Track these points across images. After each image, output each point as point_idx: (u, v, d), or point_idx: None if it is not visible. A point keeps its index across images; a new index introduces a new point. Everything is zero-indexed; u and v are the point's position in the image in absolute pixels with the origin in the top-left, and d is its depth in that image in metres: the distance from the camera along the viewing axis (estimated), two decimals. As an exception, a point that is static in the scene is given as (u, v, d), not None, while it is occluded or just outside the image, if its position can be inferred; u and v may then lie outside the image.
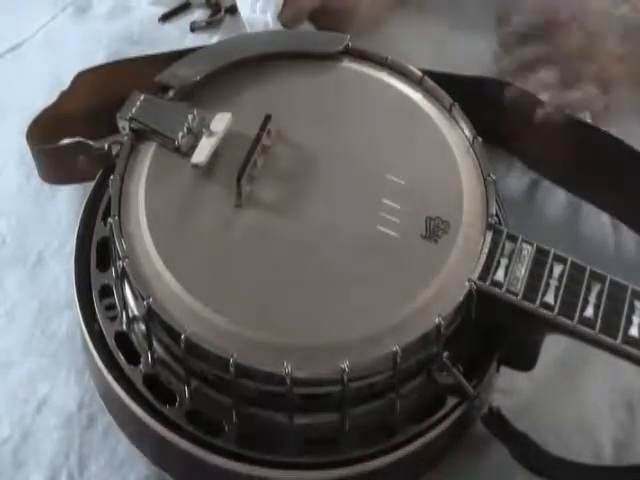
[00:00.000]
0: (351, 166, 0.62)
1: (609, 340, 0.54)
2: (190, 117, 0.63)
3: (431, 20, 0.87)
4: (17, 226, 0.73)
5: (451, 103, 0.65)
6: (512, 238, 0.58)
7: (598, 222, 0.74)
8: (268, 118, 0.62)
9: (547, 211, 0.75)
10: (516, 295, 0.56)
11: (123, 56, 0.78)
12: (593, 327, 0.55)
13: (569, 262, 0.57)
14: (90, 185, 0.66)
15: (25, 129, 0.69)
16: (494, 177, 0.61)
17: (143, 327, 0.57)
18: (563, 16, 0.80)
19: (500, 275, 0.56)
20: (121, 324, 0.60)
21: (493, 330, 0.58)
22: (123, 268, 0.56)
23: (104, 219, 0.62)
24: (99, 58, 0.81)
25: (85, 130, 0.69)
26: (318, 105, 0.66)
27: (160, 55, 0.74)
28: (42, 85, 0.79)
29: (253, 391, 0.55)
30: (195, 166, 0.61)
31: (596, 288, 0.56)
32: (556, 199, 0.75)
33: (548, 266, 0.57)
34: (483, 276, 0.56)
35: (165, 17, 0.88)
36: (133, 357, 0.59)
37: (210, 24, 0.87)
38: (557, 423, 0.63)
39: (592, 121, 0.74)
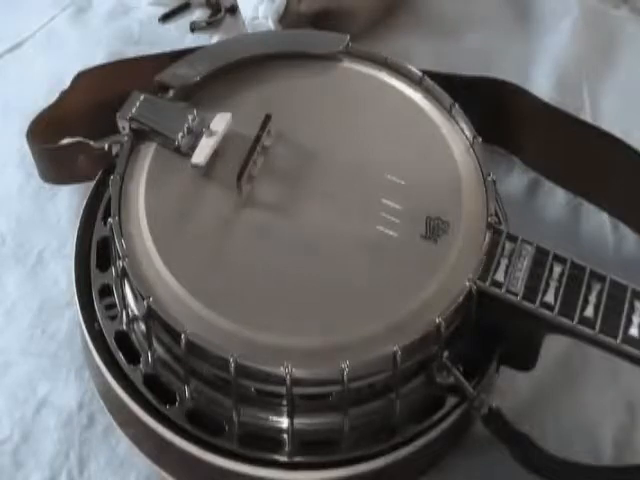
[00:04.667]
0: (351, 166, 0.62)
1: (609, 340, 0.54)
2: (190, 117, 0.63)
3: (431, 20, 0.87)
4: (17, 226, 0.73)
5: (451, 103, 0.65)
6: (512, 238, 0.58)
7: (598, 222, 0.74)
8: (268, 118, 0.62)
9: (547, 211, 0.75)
10: (516, 295, 0.56)
11: (123, 56, 0.78)
12: (593, 327, 0.55)
13: (569, 262, 0.57)
14: (90, 185, 0.66)
15: (25, 129, 0.69)
16: (494, 177, 0.61)
17: (143, 327, 0.57)
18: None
19: (500, 275, 0.56)
20: (121, 323, 0.60)
21: (493, 330, 0.58)
22: (123, 268, 0.56)
23: (104, 219, 0.62)
24: (99, 58, 0.81)
25: (85, 130, 0.69)
26: (318, 105, 0.66)
27: (160, 55, 0.74)
28: (42, 85, 0.79)
29: (253, 391, 0.55)
30: (195, 166, 0.61)
31: (596, 288, 0.56)
32: (556, 199, 0.75)
33: (548, 266, 0.57)
34: (483, 276, 0.56)
35: (165, 17, 0.88)
36: (133, 357, 0.59)
37: (210, 24, 0.87)
38: (557, 423, 0.63)
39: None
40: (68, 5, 0.89)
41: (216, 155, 0.62)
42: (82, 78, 0.72)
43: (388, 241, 0.58)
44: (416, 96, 0.66)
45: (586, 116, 0.80)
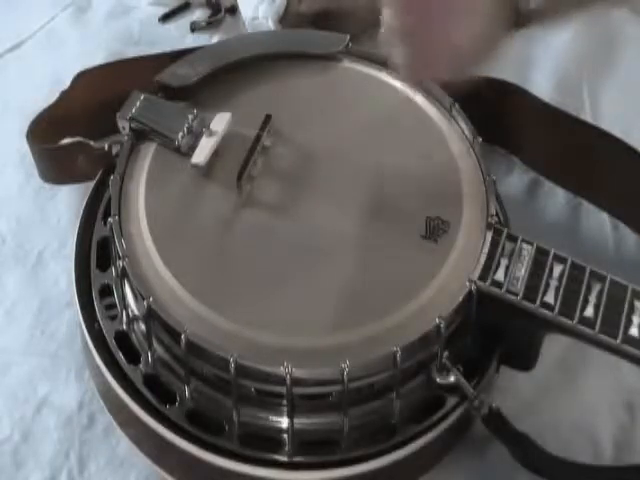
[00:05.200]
0: (351, 166, 0.62)
1: (609, 340, 0.54)
2: (190, 117, 0.63)
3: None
4: (17, 226, 0.73)
5: (451, 103, 0.65)
6: (512, 238, 0.58)
7: (598, 222, 0.74)
8: (268, 118, 0.62)
9: (547, 211, 0.75)
10: (516, 295, 0.56)
11: (123, 56, 0.78)
12: (593, 327, 0.55)
13: (569, 262, 0.57)
14: (90, 185, 0.66)
15: (25, 129, 0.69)
16: (494, 177, 0.61)
17: (143, 327, 0.57)
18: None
19: (500, 275, 0.56)
20: (121, 323, 0.60)
21: (493, 330, 0.58)
22: (123, 268, 0.56)
23: (104, 219, 0.62)
24: (99, 58, 0.80)
25: (85, 130, 0.69)
26: (318, 105, 0.66)
27: (160, 55, 0.74)
28: (42, 85, 0.79)
29: (253, 391, 0.55)
30: (195, 166, 0.61)
31: (596, 288, 0.56)
32: (556, 199, 0.75)
33: (548, 266, 0.57)
34: (483, 276, 0.56)
35: (165, 17, 0.88)
36: (133, 357, 0.59)
37: (210, 24, 0.87)
38: (557, 423, 0.63)
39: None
40: (68, 5, 0.89)
41: (216, 155, 0.62)
42: (82, 78, 0.72)
43: (388, 241, 0.58)
44: (416, 96, 0.66)
45: (586, 116, 0.79)
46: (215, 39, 0.85)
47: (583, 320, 0.55)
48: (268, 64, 0.68)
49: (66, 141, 0.70)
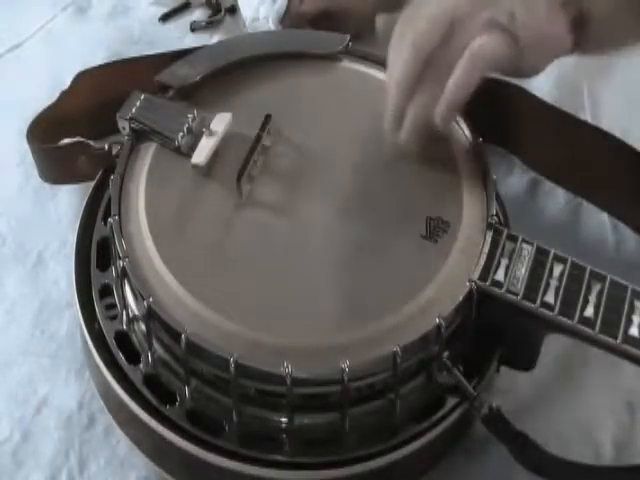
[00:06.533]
0: (351, 166, 0.62)
1: (609, 340, 0.54)
2: (190, 117, 0.63)
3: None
4: (17, 226, 0.73)
5: (451, 103, 0.65)
6: (512, 238, 0.58)
7: (598, 222, 0.74)
8: (268, 118, 0.62)
9: (547, 211, 0.75)
10: (516, 295, 0.56)
11: (123, 56, 0.78)
12: (593, 327, 0.55)
13: (569, 262, 0.57)
14: (90, 185, 0.66)
15: (25, 129, 0.69)
16: (494, 177, 0.61)
17: (143, 327, 0.57)
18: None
19: (500, 275, 0.56)
20: (121, 323, 0.60)
21: (493, 330, 0.58)
22: (123, 268, 0.56)
23: (104, 219, 0.62)
24: (99, 58, 0.81)
25: (85, 130, 0.69)
26: (318, 105, 0.66)
27: (160, 55, 0.74)
28: (42, 85, 0.79)
29: (253, 391, 0.55)
30: (195, 166, 0.61)
31: (596, 288, 0.56)
32: (556, 199, 0.75)
33: (548, 266, 0.57)
34: (483, 276, 0.56)
35: (165, 17, 0.88)
36: (133, 357, 0.59)
37: (210, 24, 0.87)
38: (557, 423, 0.63)
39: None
40: (68, 5, 0.89)
41: (216, 155, 0.62)
42: (82, 78, 0.72)
43: (388, 241, 0.58)
44: (416, 96, 0.66)
45: (586, 116, 0.79)
46: (215, 39, 0.85)
47: (583, 320, 0.55)
48: (268, 64, 0.68)
49: (66, 141, 0.70)
